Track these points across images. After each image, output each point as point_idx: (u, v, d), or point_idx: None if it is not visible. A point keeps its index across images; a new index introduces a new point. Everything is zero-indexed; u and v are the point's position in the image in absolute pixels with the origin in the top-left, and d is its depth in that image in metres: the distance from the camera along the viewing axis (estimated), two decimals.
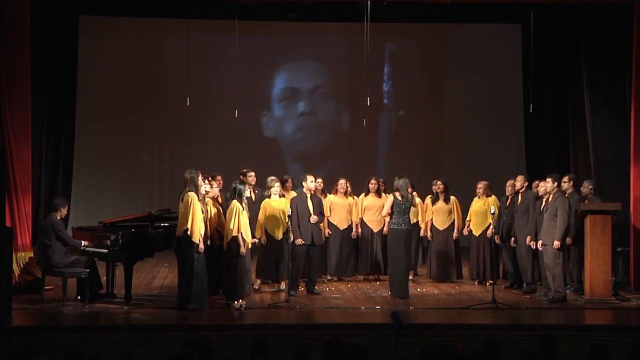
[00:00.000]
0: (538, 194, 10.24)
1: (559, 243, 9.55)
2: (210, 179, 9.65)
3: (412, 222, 10.40)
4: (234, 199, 9.27)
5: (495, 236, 10.81)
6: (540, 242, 9.79)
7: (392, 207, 10.00)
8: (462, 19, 15.05)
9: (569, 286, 10.16)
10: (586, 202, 10.12)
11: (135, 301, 9.37)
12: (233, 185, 9.44)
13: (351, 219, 11.33)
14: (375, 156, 16.07)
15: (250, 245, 9.40)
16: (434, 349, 5.61)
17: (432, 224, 11.38)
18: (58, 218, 9.39)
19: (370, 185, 11.41)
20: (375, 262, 11.34)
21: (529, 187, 10.67)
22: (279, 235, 10.17)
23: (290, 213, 9.68)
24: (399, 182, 10.04)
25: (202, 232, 9.01)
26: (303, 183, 10.36)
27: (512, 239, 10.56)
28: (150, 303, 9.51)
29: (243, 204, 9.29)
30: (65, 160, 14.49)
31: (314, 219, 10.21)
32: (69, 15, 14.28)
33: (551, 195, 9.77)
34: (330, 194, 11.45)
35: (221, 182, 10.16)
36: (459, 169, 15.18)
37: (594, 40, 12.20)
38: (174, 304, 9.15)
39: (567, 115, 13.97)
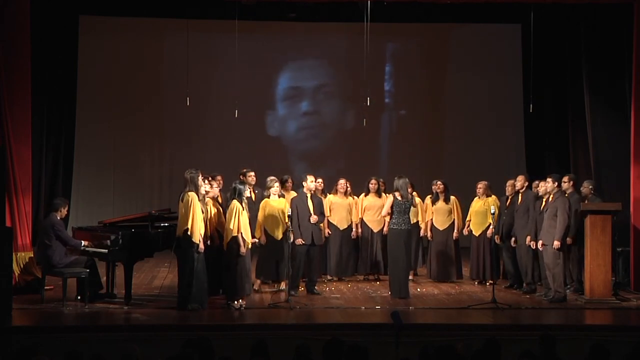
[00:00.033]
0: (538, 194, 10.23)
1: (559, 243, 9.55)
2: (210, 179, 9.65)
3: (412, 222, 10.40)
4: (234, 199, 9.27)
5: (495, 236, 10.80)
6: (540, 242, 9.78)
7: (392, 207, 9.99)
8: (462, 19, 15.05)
9: (569, 286, 10.16)
10: (586, 202, 10.11)
11: (135, 301, 9.36)
12: (233, 185, 9.45)
13: (351, 219, 11.33)
14: (376, 156, 16.06)
15: (250, 245, 9.41)
16: (434, 349, 5.61)
17: (432, 224, 11.37)
18: (58, 218, 9.39)
19: (370, 185, 11.41)
20: (375, 262, 11.34)
21: (529, 187, 10.67)
22: (279, 235, 10.17)
23: (290, 213, 9.69)
24: (398, 182, 10.04)
25: (202, 232, 9.01)
26: (303, 183, 10.36)
27: (512, 239, 10.56)
28: (150, 303, 9.51)
29: (243, 204, 9.29)
30: (65, 160, 14.49)
31: (314, 219, 10.21)
32: (69, 15, 14.28)
33: (551, 195, 9.77)
34: (330, 194, 11.45)
35: (221, 182, 10.16)
36: (459, 169, 15.18)
37: (594, 40, 12.19)
38: (174, 304, 9.14)
39: (567, 115, 13.96)
